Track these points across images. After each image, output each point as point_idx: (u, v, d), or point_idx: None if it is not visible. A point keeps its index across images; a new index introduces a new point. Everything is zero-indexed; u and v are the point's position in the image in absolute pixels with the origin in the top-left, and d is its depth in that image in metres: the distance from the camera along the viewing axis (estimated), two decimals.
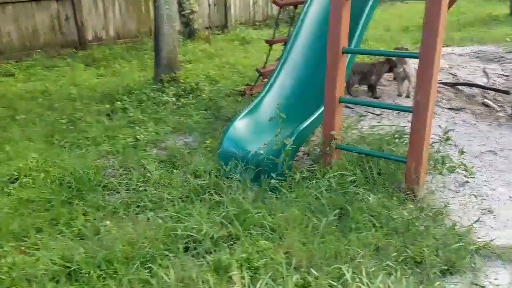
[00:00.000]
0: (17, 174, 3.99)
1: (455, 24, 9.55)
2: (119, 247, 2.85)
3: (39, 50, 8.62)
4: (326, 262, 2.71)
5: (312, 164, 3.83)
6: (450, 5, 9.25)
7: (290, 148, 3.63)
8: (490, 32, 8.71)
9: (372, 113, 5.23)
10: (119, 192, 3.71)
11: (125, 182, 3.85)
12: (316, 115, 4.00)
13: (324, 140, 3.76)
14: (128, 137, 4.80)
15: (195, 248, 2.93)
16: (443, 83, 6.39)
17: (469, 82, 6.50)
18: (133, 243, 2.91)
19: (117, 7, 9.49)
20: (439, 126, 4.73)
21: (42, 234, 3.17)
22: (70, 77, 7.29)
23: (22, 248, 3.02)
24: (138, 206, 3.49)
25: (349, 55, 4.17)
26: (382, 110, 5.26)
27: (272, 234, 3.02)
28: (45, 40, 8.78)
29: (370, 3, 4.48)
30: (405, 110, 3.74)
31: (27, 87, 6.88)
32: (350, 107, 5.42)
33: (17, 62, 8.22)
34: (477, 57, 7.55)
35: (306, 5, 4.94)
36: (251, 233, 3.04)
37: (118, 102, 5.85)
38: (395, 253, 2.77)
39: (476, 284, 2.66)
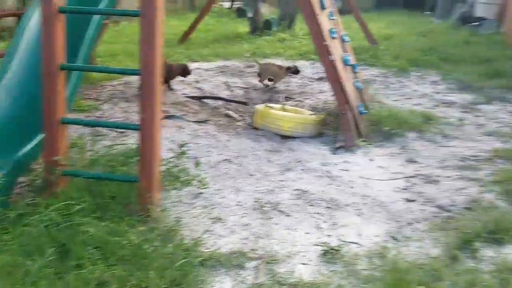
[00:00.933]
0: None
1: (203, 41, 10.09)
2: None
3: None
4: None
5: (34, 196, 3.28)
6: (197, 22, 9.75)
7: (2, 182, 3.03)
8: (233, 48, 9.49)
9: (115, 131, 4.93)
10: None
11: None
12: (39, 139, 3.48)
13: (46, 167, 3.28)
14: None
15: None
16: (190, 97, 6.58)
17: (214, 95, 6.85)
18: None
19: None
20: (182, 140, 4.75)
21: None
22: None
23: None
24: None
25: (76, 72, 3.80)
26: None
27: None
28: None
29: (97, 18, 4.17)
30: (132, 128, 3.56)
31: None
32: (90, 126, 5.00)
33: None
34: (221, 71, 8.11)
35: (26, 17, 4.31)
36: None
37: None
38: (117, 285, 2.57)
39: None
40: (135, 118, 5.53)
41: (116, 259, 2.77)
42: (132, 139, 4.62)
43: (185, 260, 2.84)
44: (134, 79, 6.90)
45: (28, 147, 3.44)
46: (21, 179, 3.57)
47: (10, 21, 9.47)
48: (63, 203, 3.11)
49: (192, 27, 9.81)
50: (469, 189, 4.22)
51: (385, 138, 5.39)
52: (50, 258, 2.67)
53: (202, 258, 2.96)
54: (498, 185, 4.22)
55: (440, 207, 3.94)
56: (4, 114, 3.73)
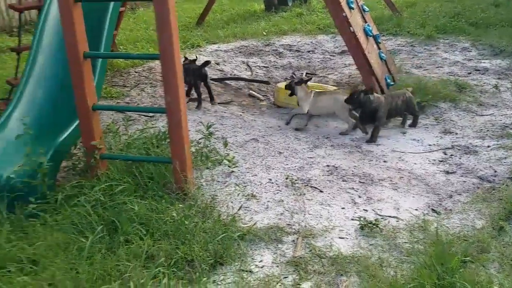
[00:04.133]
0: None
1: (219, 22, 10.23)
2: None
3: None
4: (93, 285, 2.60)
5: (79, 179, 3.59)
6: (211, 3, 9.88)
7: (47, 166, 3.33)
8: (250, 27, 9.61)
9: (145, 115, 5.21)
10: None
11: None
12: (74, 125, 3.78)
13: (86, 151, 3.57)
14: None
15: None
16: (212, 79, 6.78)
17: (235, 76, 7.05)
18: None
19: None
20: (209, 122, 4.98)
21: None
22: None
23: None
24: None
25: (100, 60, 4.08)
26: None
27: (33, 267, 2.75)
28: None
29: (112, 5, 4.41)
30: (159, 111, 3.81)
31: None
32: (122, 112, 5.30)
33: None
34: (240, 52, 8.23)
35: (46, 7, 4.57)
36: (9, 271, 2.71)
37: None
38: (165, 257, 2.83)
39: (243, 270, 2.91)
40: (161, 102, 5.80)
41: (160, 234, 3.04)
42: (161, 122, 4.90)
43: (225, 234, 3.09)
44: (157, 64, 7.17)
45: (66, 133, 3.72)
46: (63, 163, 3.86)
47: (33, 13, 9.83)
48: (106, 184, 3.41)
49: (207, 9, 9.94)
50: (510, 159, 4.29)
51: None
52: (101, 235, 2.96)
53: (240, 233, 3.20)
54: None
55: (481, 178, 4.03)
56: (40, 105, 4.05)
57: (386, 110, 4.86)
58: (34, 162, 3.34)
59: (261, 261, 3.02)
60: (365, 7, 6.31)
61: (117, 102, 5.68)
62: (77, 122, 3.75)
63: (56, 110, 4.03)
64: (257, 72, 7.37)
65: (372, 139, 4.86)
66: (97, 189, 3.35)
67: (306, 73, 7.17)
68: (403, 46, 8.07)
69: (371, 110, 4.83)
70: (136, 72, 6.83)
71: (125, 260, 2.78)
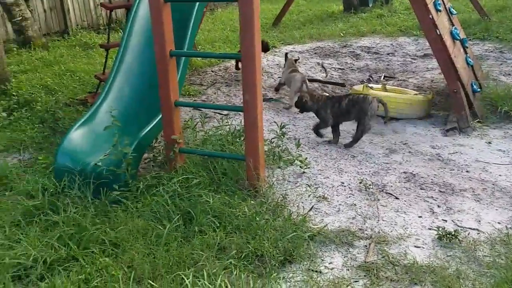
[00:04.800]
0: None
1: (295, 23, 10.30)
2: None
3: None
4: (169, 270, 2.75)
5: (158, 171, 3.81)
6: (288, 4, 9.97)
7: (131, 157, 3.57)
8: (327, 28, 9.58)
9: (220, 113, 5.39)
10: None
11: None
12: (156, 120, 4.02)
13: (166, 145, 3.77)
14: None
15: (27, 276, 2.79)
16: None
17: (310, 77, 7.05)
18: None
19: None
20: (282, 122, 5.06)
21: None
22: None
23: None
24: None
25: (182, 59, 4.29)
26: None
27: (114, 250, 2.97)
28: None
29: (197, 5, 4.60)
30: (237, 109, 3.92)
31: None
32: (199, 109, 5.53)
33: None
34: (315, 53, 8.23)
35: (134, 7, 4.88)
36: (93, 252, 2.96)
37: None
38: (236, 250, 2.94)
39: (312, 270, 2.93)
40: (236, 101, 5.98)
41: (232, 227, 3.16)
42: (235, 121, 5.06)
43: (295, 233, 3.13)
44: (233, 64, 7.40)
45: (149, 127, 3.95)
46: (144, 155, 4.12)
47: (119, 12, 10.55)
48: (183, 176, 3.60)
49: (284, 10, 10.07)
50: None
51: (504, 119, 5.19)
52: (177, 224, 3.13)
53: (311, 233, 3.22)
54: None
55: None
56: (126, 100, 4.35)
57: (327, 112, 4.82)
58: (120, 153, 3.60)
59: (330, 263, 3.01)
60: (452, 9, 6.07)
61: (194, 100, 5.93)
62: (159, 117, 4.00)
63: (141, 105, 4.31)
64: (332, 74, 7.33)
65: (316, 132, 4.95)
66: (175, 181, 3.54)
67: (384, 76, 7.06)
68: (491, 51, 7.63)
69: (315, 113, 4.94)
70: (212, 71, 7.09)
71: (199, 250, 2.92)
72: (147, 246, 2.96)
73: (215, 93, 6.24)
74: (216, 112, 5.42)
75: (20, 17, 8.61)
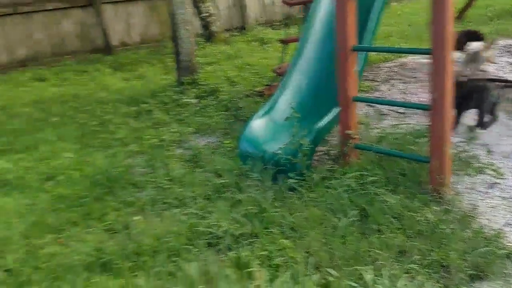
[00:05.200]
0: (53, 172, 4.46)
1: (482, 18, 9.43)
2: (147, 241, 3.15)
3: (69, 56, 9.28)
4: (346, 263, 2.75)
5: (332, 164, 3.91)
6: None
7: (307, 148, 3.71)
8: None
9: (396, 111, 5.28)
10: (146, 190, 3.97)
11: (152, 180, 4.10)
12: (332, 114, 4.06)
13: (341, 139, 3.82)
14: (153, 138, 5.16)
15: (217, 244, 3.12)
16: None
17: (500, 78, 6.42)
18: (159, 237, 3.18)
19: (139, 12, 9.79)
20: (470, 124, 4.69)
21: (76, 227, 3.52)
22: (98, 82, 7.95)
23: (60, 239, 3.33)
24: (164, 203, 3.72)
25: (364, 52, 4.25)
26: (406, 108, 5.30)
27: (291, 233, 3.13)
28: (73, 46, 9.38)
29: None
30: (422, 108, 3.79)
31: (59, 91, 7.53)
32: (372, 106, 5.48)
33: (49, 68, 8.84)
34: (507, 51, 7.46)
35: (317, 3, 5.03)
36: (271, 232, 3.15)
37: (144, 105, 6.25)
38: (419, 256, 2.79)
39: None
40: (412, 99, 5.73)
41: (413, 232, 2.98)
42: (413, 120, 4.79)
43: (487, 249, 2.82)
44: (410, 60, 7.14)
45: (325, 120, 4.03)
46: (318, 148, 4.19)
47: (294, 8, 11.04)
48: (357, 172, 3.55)
49: (469, 3, 9.31)
50: None
51: None
52: (353, 219, 3.12)
53: (507, 251, 2.86)
54: None
55: None
56: (304, 93, 4.54)
57: None
58: (297, 143, 3.75)
59: None
60: None
61: (367, 96, 5.88)
62: (334, 112, 4.03)
63: (318, 99, 4.45)
64: None
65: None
66: (350, 175, 3.53)
67: None
68: None
69: None
70: (387, 67, 6.92)
71: (377, 248, 2.85)
72: (323, 235, 3.00)
73: (389, 90, 6.01)
74: (391, 110, 5.29)
75: (207, 13, 9.58)
